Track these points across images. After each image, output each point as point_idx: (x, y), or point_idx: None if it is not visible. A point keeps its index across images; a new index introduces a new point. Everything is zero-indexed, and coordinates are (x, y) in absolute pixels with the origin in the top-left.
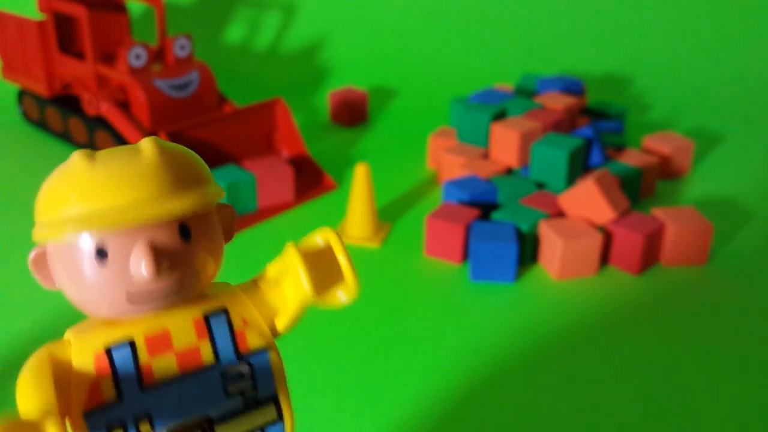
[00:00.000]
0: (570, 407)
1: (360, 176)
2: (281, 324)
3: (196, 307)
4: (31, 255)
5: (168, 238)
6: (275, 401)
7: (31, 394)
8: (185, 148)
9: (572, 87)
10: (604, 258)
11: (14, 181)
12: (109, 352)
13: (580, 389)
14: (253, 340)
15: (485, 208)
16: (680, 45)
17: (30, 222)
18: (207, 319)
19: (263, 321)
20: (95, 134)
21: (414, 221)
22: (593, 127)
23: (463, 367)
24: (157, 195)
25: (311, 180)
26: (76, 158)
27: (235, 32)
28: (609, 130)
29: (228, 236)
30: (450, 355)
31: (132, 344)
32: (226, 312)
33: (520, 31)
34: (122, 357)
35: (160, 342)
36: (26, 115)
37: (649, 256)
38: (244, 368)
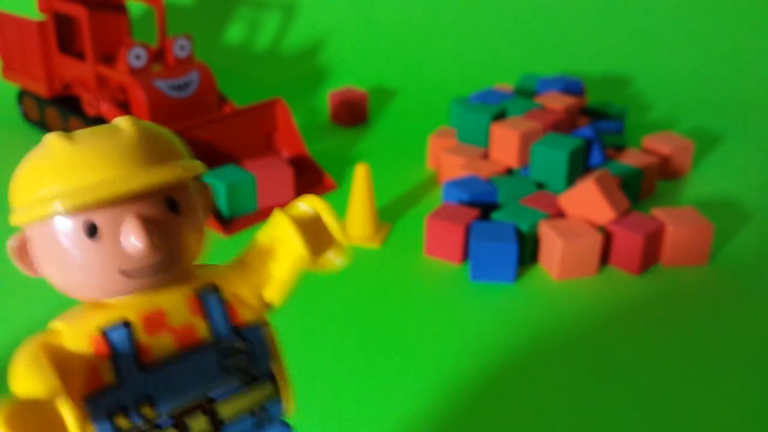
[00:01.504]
0: (570, 407)
1: (360, 176)
2: (273, 293)
3: (185, 284)
4: (12, 242)
5: (156, 210)
6: (271, 377)
7: (32, 380)
8: (159, 125)
9: (572, 87)
10: (604, 258)
11: None
12: (105, 333)
13: (580, 389)
14: (246, 315)
15: (485, 208)
16: (680, 45)
17: None
18: (199, 295)
19: (253, 296)
20: None
21: (414, 221)
22: (593, 127)
23: (462, 367)
24: (141, 167)
25: (311, 180)
26: (53, 139)
27: (235, 32)
28: (609, 130)
29: (207, 210)
30: (450, 355)
31: (127, 324)
32: (215, 287)
33: (520, 31)
34: (119, 337)
35: (155, 320)
36: (26, 115)
37: (649, 256)
38: (240, 343)
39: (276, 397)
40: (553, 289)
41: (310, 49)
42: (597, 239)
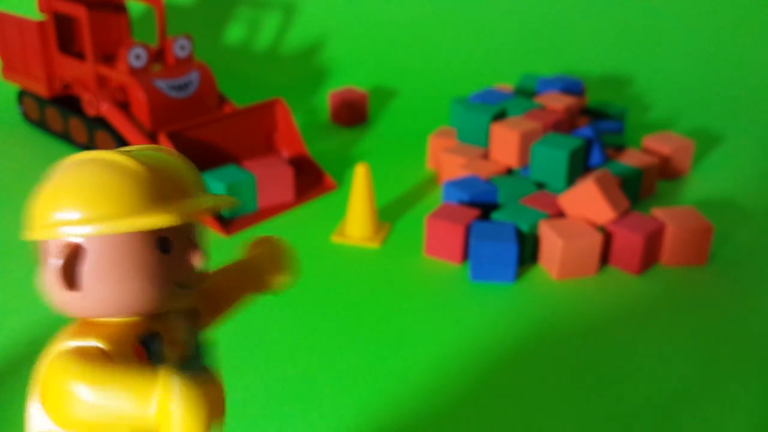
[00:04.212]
0: (570, 407)
1: (360, 176)
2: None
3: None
4: (57, 260)
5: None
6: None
7: (125, 378)
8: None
9: (572, 87)
10: (604, 258)
11: (14, 181)
12: (143, 342)
13: (580, 389)
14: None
15: (485, 208)
16: (680, 45)
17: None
18: (189, 314)
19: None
20: (95, 134)
21: (414, 221)
22: (593, 127)
23: (462, 367)
24: (203, 192)
25: (311, 180)
26: (121, 158)
27: (235, 32)
28: (609, 130)
29: None
30: (450, 355)
31: (156, 333)
32: (197, 311)
33: (520, 31)
34: (155, 347)
35: (173, 336)
36: (26, 115)
37: (649, 256)
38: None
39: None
40: (553, 289)
41: (310, 49)
42: (597, 239)
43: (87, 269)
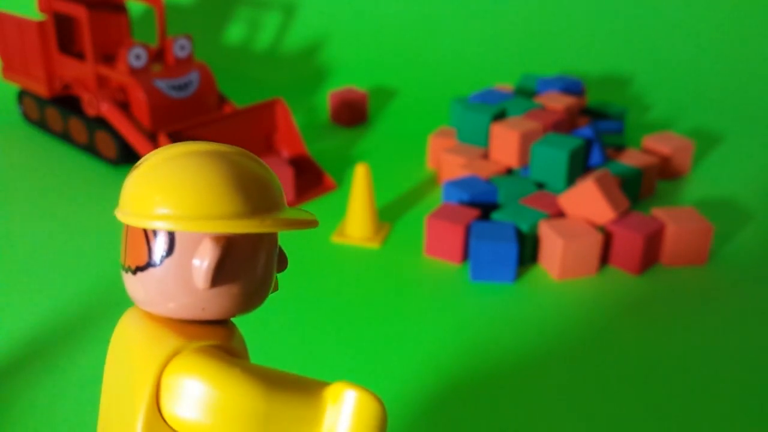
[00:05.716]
0: (570, 407)
1: (360, 176)
2: None
3: None
4: (220, 246)
5: None
6: None
7: (295, 389)
8: None
9: (572, 87)
10: (604, 258)
11: (14, 181)
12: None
13: (580, 389)
14: None
15: (485, 208)
16: (680, 45)
17: (29, 221)
18: None
19: None
20: (95, 134)
21: (414, 221)
22: (593, 127)
23: (462, 367)
24: None
25: (311, 180)
26: (247, 155)
27: (235, 32)
28: (609, 130)
29: None
30: (450, 355)
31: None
32: None
33: (520, 31)
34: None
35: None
36: (26, 115)
37: (649, 256)
38: None
39: None
40: (553, 289)
41: (310, 49)
42: (597, 239)
43: (230, 266)
